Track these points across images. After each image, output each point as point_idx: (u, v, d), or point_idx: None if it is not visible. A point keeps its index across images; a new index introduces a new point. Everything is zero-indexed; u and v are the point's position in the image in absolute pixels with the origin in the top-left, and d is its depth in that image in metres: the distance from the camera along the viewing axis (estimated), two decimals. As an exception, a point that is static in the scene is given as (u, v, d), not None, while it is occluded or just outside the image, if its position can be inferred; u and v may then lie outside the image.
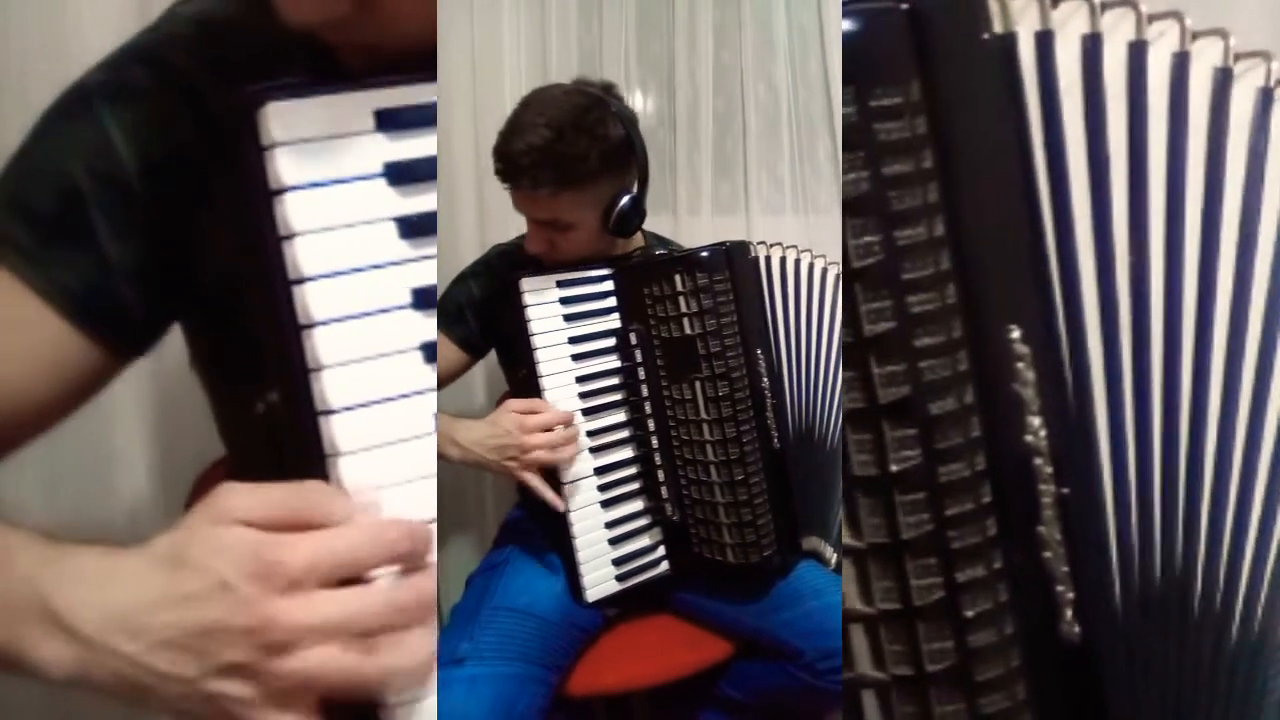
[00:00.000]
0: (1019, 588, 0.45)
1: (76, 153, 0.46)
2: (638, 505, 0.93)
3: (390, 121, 0.44)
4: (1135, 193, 0.49)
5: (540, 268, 0.94)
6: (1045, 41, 0.44)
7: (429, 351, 0.45)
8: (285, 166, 0.42)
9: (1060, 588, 0.47)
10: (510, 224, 1.20)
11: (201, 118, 0.46)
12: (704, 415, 0.87)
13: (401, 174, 0.44)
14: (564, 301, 0.91)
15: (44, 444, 0.50)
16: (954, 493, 0.43)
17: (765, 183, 1.44)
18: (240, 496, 0.38)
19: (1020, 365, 0.46)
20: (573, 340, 0.91)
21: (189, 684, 0.35)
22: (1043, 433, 0.47)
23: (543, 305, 0.90)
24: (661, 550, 0.94)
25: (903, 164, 0.41)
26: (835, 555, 0.95)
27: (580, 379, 0.91)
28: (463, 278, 1.03)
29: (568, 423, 0.88)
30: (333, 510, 0.39)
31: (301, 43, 0.46)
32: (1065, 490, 0.47)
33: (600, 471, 0.91)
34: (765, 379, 0.88)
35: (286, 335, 0.42)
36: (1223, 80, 0.50)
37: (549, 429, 0.86)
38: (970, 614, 0.44)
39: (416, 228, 0.45)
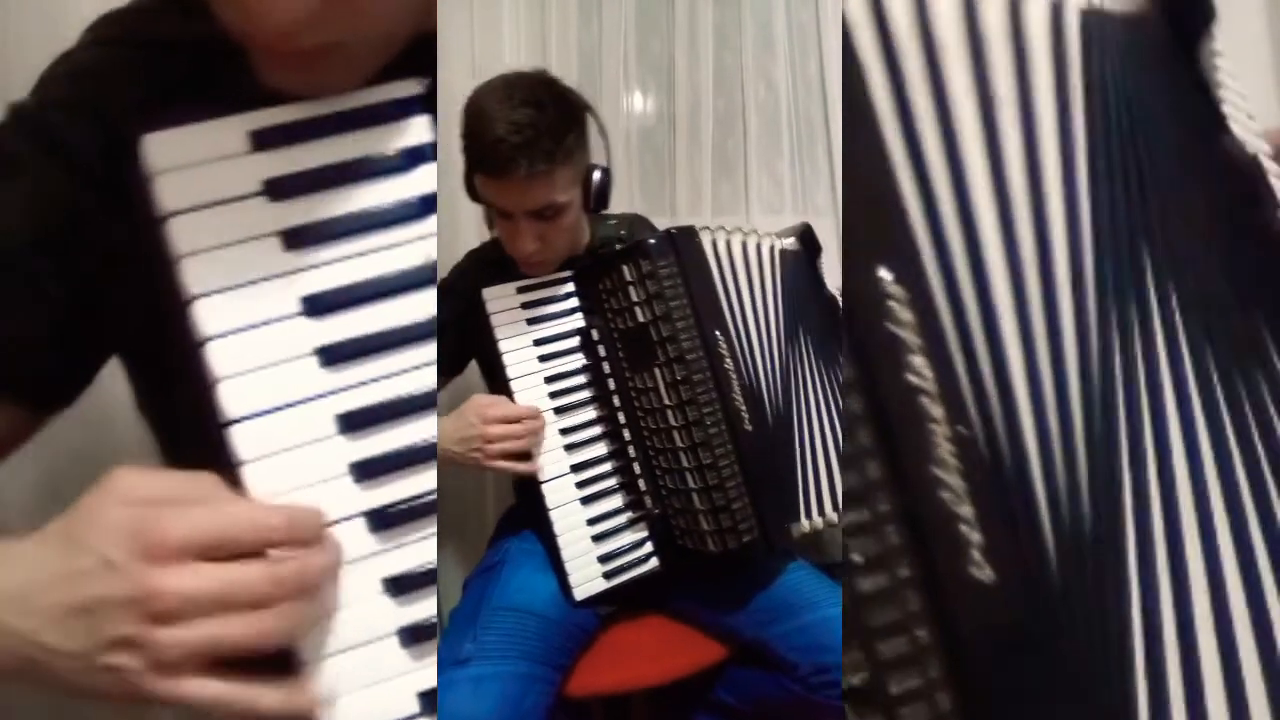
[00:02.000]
0: (913, 530, 0.44)
1: None
2: (618, 501, 0.94)
3: (265, 140, 0.47)
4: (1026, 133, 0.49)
5: (505, 274, 0.96)
6: None
7: (325, 355, 0.47)
8: (166, 193, 0.44)
9: (964, 528, 0.46)
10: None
11: (86, 176, 0.48)
12: (666, 401, 0.87)
13: (281, 189, 0.47)
14: (526, 306, 0.93)
15: (42, 444, 0.53)
16: (822, 436, 0.43)
17: (765, 183, 1.44)
18: (129, 479, 0.39)
19: (893, 304, 0.45)
20: (538, 342, 0.93)
21: (80, 658, 0.37)
22: (928, 373, 0.46)
23: (506, 312, 0.92)
24: (649, 547, 0.94)
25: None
26: (822, 521, 0.94)
27: (549, 379, 0.92)
28: None
29: (532, 415, 0.89)
30: (216, 494, 0.41)
31: (177, 79, 0.49)
32: (962, 429, 0.46)
33: (577, 469, 0.92)
34: (728, 360, 0.88)
35: (185, 352, 0.45)
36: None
37: (513, 420, 0.87)
38: (856, 558, 0.43)
39: (300, 238, 0.47)
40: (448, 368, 1.04)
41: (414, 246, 0.48)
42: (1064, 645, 0.45)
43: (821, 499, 0.97)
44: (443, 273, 1.07)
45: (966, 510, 0.45)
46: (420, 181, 0.49)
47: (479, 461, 0.88)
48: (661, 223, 1.36)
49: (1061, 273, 0.50)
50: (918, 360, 0.45)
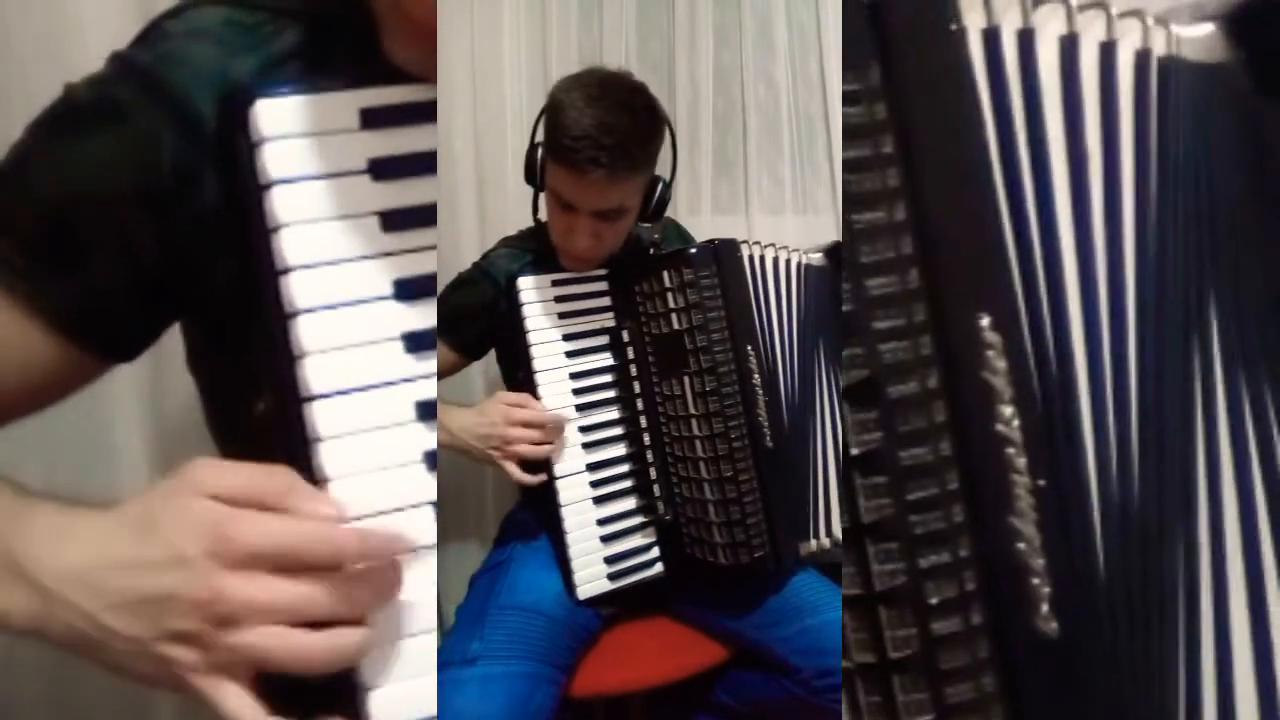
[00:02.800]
0: (989, 577, 0.45)
1: (69, 176, 0.46)
2: (630, 504, 0.93)
3: (375, 119, 0.46)
4: (1108, 184, 0.50)
5: (541, 266, 0.95)
6: (992, 37, 0.45)
7: (411, 341, 0.46)
8: (273, 161, 0.44)
9: (1035, 580, 0.46)
10: (510, 224, 1.21)
11: (194, 135, 0.46)
12: (692, 410, 0.87)
13: (386, 169, 0.46)
14: (559, 300, 0.92)
15: (43, 440, 0.51)
16: (916, 477, 0.43)
17: (765, 183, 1.44)
18: (209, 471, 0.39)
19: (990, 353, 0.46)
20: (567, 338, 0.92)
21: (138, 644, 0.37)
22: (1015, 423, 0.46)
23: (539, 304, 0.91)
24: (655, 551, 0.94)
25: (860, 148, 0.41)
26: (829, 542, 0.95)
27: (574, 375, 0.92)
28: (459, 284, 1.02)
29: (556, 423, 0.88)
30: (297, 495, 0.40)
31: (291, 48, 0.48)
32: (1041, 483, 0.47)
33: (592, 468, 0.91)
34: (756, 375, 0.88)
35: (273, 323, 0.44)
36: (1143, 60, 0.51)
37: (535, 425, 0.86)
38: (934, 601, 0.43)
39: (400, 221, 0.46)
40: (470, 351, 1.02)
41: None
42: (1125, 704, 0.46)
43: (830, 519, 0.98)
44: (442, 278, 1.04)
45: (1039, 563, 0.46)
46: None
47: (494, 460, 0.87)
48: (661, 223, 1.37)
49: (1132, 325, 0.51)
50: (1008, 411, 0.46)
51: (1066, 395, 0.49)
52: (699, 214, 1.42)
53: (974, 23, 0.46)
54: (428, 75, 0.46)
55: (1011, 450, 0.45)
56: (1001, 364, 0.46)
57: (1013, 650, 0.45)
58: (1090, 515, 0.49)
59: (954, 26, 0.44)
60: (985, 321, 0.45)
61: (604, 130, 0.81)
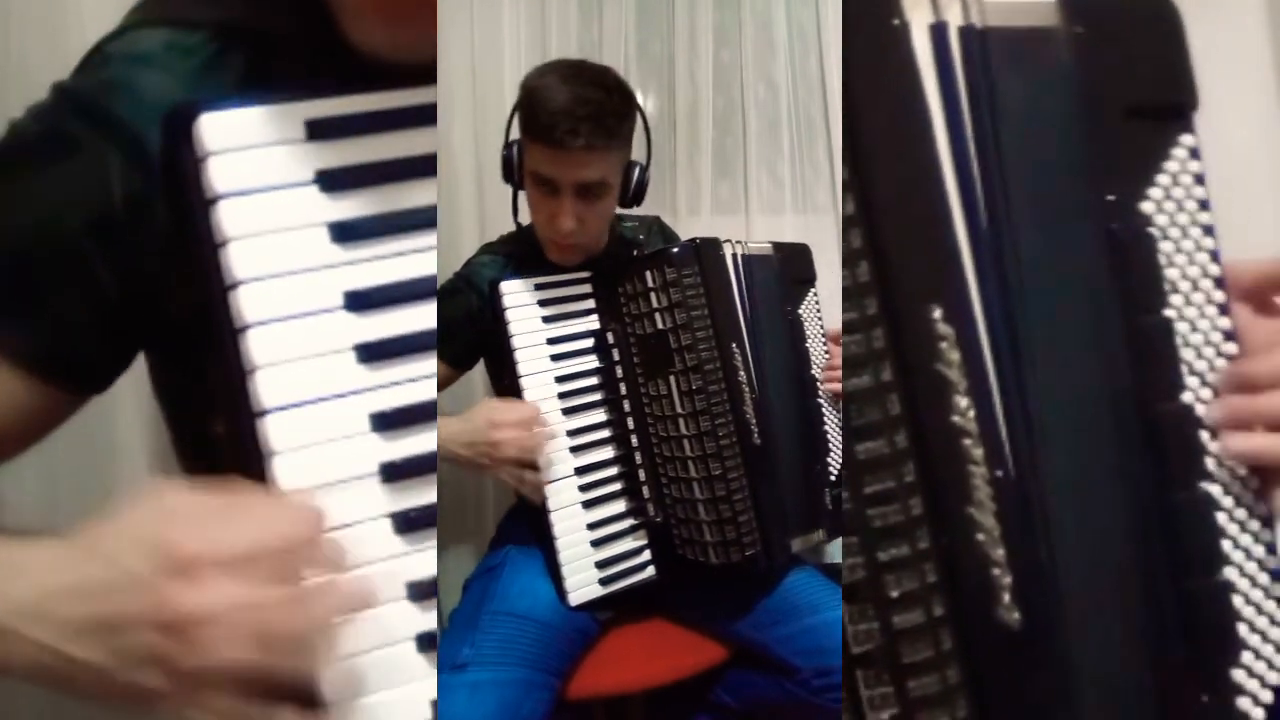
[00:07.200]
0: (949, 569, 0.45)
1: (21, 214, 0.46)
2: (620, 506, 0.93)
3: (321, 130, 0.46)
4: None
5: (523, 270, 0.95)
6: (940, 32, 0.45)
7: (362, 352, 0.46)
8: (218, 175, 0.44)
9: (996, 571, 0.46)
10: (509, 223, 1.21)
11: (142, 162, 0.46)
12: (679, 410, 0.87)
13: (333, 181, 0.46)
14: (543, 303, 0.92)
15: (42, 444, 0.51)
16: (872, 470, 0.43)
17: (765, 182, 1.44)
18: (154, 492, 0.38)
19: (943, 345, 0.46)
20: (551, 341, 0.92)
21: (102, 672, 0.36)
22: (971, 414, 0.46)
23: (522, 307, 0.92)
24: (647, 554, 0.94)
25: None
26: (824, 536, 0.95)
27: (560, 379, 0.92)
28: (443, 295, 1.01)
29: (538, 416, 0.88)
30: (245, 506, 0.39)
31: (234, 70, 0.48)
32: (999, 473, 0.46)
33: (581, 471, 0.92)
34: (742, 373, 0.88)
35: (223, 338, 0.44)
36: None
37: (521, 426, 0.86)
38: (894, 594, 0.43)
39: (348, 232, 0.46)
40: (462, 363, 1.02)
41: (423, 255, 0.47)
42: (1088, 694, 0.46)
43: (818, 514, 0.98)
44: (442, 275, 1.05)
45: (999, 553, 0.45)
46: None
47: (485, 468, 0.87)
48: (662, 223, 1.37)
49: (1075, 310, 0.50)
50: (963, 401, 0.46)
51: (1021, 385, 0.49)
52: (699, 214, 1.42)
53: (918, 19, 0.46)
54: (410, 54, 0.45)
55: (968, 441, 0.45)
56: (955, 355, 0.46)
57: (975, 641, 0.45)
58: (1049, 504, 0.48)
59: (896, 21, 0.44)
60: (937, 313, 0.45)
61: (580, 103, 0.83)
